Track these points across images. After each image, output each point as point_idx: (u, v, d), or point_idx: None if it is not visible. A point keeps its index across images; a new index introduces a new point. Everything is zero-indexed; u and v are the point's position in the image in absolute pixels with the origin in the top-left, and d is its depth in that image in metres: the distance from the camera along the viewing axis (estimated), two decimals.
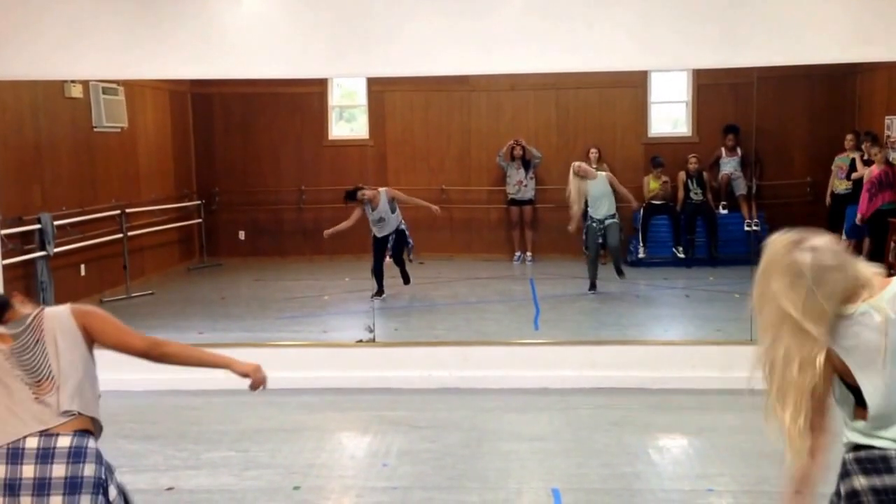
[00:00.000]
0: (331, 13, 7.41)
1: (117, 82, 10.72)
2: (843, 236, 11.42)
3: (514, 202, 13.06)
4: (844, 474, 2.74)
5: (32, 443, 3.03)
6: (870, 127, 11.79)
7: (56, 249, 9.18)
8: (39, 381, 3.14)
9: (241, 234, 13.51)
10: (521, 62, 7.50)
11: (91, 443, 3.13)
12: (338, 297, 10.99)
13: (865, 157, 11.23)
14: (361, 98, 13.80)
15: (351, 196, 10.27)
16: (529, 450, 5.96)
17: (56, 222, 9.23)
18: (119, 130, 11.12)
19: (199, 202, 13.13)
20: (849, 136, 11.72)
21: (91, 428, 3.20)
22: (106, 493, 3.11)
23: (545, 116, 13.40)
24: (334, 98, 13.85)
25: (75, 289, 9.95)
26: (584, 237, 10.66)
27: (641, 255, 12.35)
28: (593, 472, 5.54)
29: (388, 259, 10.29)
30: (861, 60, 8.36)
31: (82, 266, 10.11)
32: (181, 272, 12.61)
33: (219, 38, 7.42)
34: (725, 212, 12.51)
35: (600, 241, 10.30)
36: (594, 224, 10.26)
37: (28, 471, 3.00)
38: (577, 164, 10.50)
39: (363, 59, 7.49)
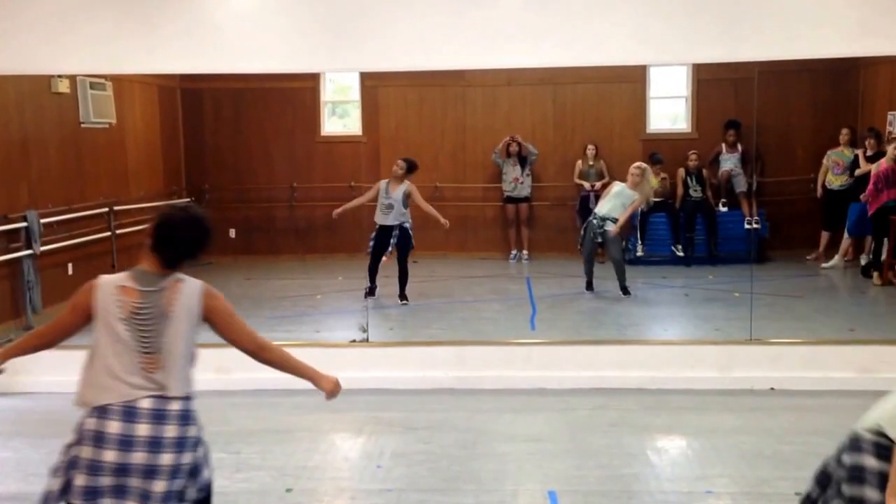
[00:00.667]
0: (323, 7, 7.35)
1: (105, 77, 10.59)
2: (846, 234, 11.38)
3: (510, 199, 12.97)
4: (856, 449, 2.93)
5: (146, 403, 3.31)
6: (872, 122, 11.75)
7: (43, 248, 9.04)
8: (149, 353, 3.35)
9: (232, 233, 13.37)
10: (517, 56, 7.42)
11: (193, 406, 3.43)
12: (331, 296, 10.90)
13: (868, 152, 11.16)
14: (354, 93, 13.72)
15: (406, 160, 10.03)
16: (526, 451, 5.89)
17: (43, 220, 9.09)
18: (107, 126, 10.98)
19: (188, 199, 13.00)
20: (844, 131, 11.68)
21: (191, 392, 3.45)
22: (199, 447, 3.46)
23: (542, 112, 13.32)
24: (327, 93, 13.74)
25: (63, 288, 9.78)
26: (581, 233, 10.53)
27: (640, 253, 12.27)
28: (591, 473, 5.46)
29: (384, 259, 10.10)
30: (863, 54, 8.25)
31: (70, 265, 9.96)
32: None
33: (209, 32, 7.34)
34: (725, 209, 12.43)
35: (598, 240, 10.13)
36: (594, 221, 10.10)
37: (143, 429, 3.27)
38: (641, 165, 10.36)
39: (356, 54, 7.41)
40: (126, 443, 3.26)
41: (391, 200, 9.80)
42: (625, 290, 10.03)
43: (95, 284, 3.45)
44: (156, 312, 3.36)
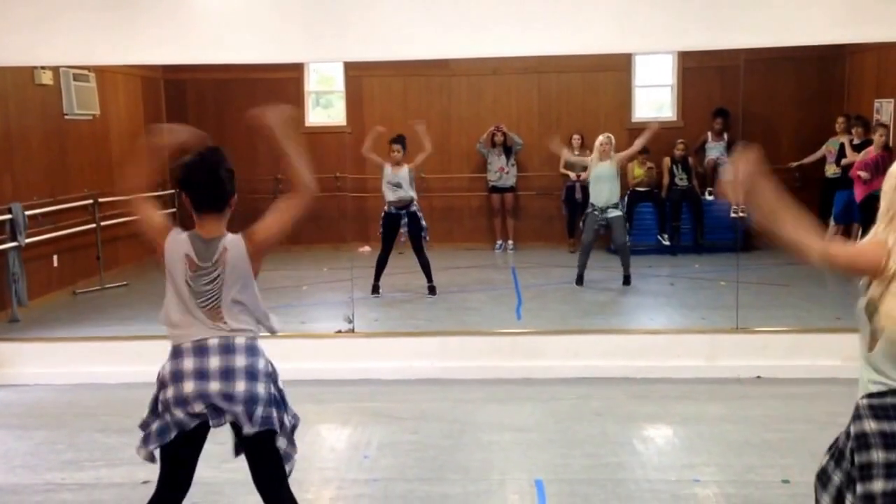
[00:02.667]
0: None
1: (88, 69, 10.54)
2: (832, 221, 11.42)
3: (495, 189, 12.98)
4: (857, 417, 2.91)
5: (214, 342, 3.58)
6: (858, 110, 11.77)
7: (28, 240, 9.00)
8: (210, 308, 3.61)
9: None
10: (502, 45, 7.40)
11: (260, 344, 3.69)
12: (316, 287, 10.89)
13: (855, 141, 11.19)
14: (338, 83, 13.67)
15: (396, 138, 9.94)
16: (512, 440, 5.90)
17: (27, 212, 9.05)
18: (91, 118, 10.94)
19: (172, 191, 12.94)
20: (839, 119, 11.68)
21: (256, 333, 3.70)
22: (276, 384, 3.68)
23: (527, 101, 13.32)
24: (311, 83, 13.69)
25: (48, 280, 9.79)
26: (581, 224, 10.46)
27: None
28: (577, 462, 5.47)
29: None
30: (851, 41, 8.28)
31: (55, 257, 9.94)
32: (156, 263, 12.40)
33: (190, 23, 7.30)
34: (711, 198, 12.44)
35: (601, 231, 10.06)
36: (595, 212, 10.01)
37: (214, 361, 3.55)
38: (605, 138, 10.18)
39: (340, 44, 7.38)
40: (201, 374, 3.54)
41: (399, 179, 9.76)
42: (627, 280, 10.00)
43: (168, 238, 3.70)
44: (212, 279, 3.61)
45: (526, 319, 8.83)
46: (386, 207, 9.86)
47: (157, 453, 3.71)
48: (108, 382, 7.32)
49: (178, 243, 3.66)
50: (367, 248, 12.05)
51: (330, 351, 7.57)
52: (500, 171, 12.85)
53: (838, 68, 12.55)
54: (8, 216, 8.82)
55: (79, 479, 5.37)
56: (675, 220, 12.38)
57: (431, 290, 9.84)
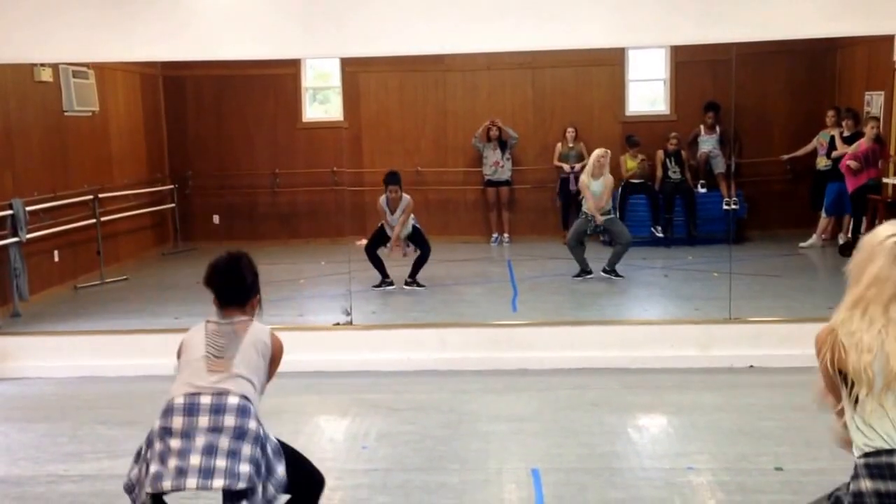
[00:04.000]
0: None
1: (87, 66, 10.59)
2: (823, 213, 11.50)
3: (490, 183, 13.02)
4: (854, 476, 2.85)
5: (206, 399, 3.54)
6: (849, 103, 11.84)
7: (29, 235, 9.04)
8: (220, 357, 3.65)
9: (216, 218, 13.40)
10: (497, 41, 7.46)
11: (253, 407, 3.62)
12: (314, 280, 10.93)
13: (845, 133, 11.26)
14: (335, 79, 13.70)
15: (392, 178, 9.92)
16: (509, 430, 5.95)
17: (28, 208, 9.08)
18: (90, 115, 10.99)
19: (172, 186, 13.01)
20: (830, 113, 11.74)
21: (252, 400, 3.65)
22: (264, 449, 3.60)
23: (522, 96, 13.36)
24: (308, 79, 13.74)
25: (49, 275, 9.85)
26: (572, 228, 10.50)
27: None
28: (573, 451, 5.53)
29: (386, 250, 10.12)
30: (842, 35, 8.34)
31: (55, 252, 9.99)
32: (155, 257, 12.52)
33: (188, 19, 7.33)
34: (704, 190, 12.52)
35: (598, 233, 10.13)
36: (588, 218, 10.07)
37: (203, 420, 3.51)
38: (603, 152, 10.27)
39: (337, 40, 7.42)
40: (187, 434, 3.50)
41: (398, 217, 9.86)
42: (607, 270, 9.99)
43: (185, 338, 3.80)
44: (229, 333, 3.73)
45: (522, 311, 8.88)
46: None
47: None
48: (109, 375, 7.37)
49: (195, 332, 3.79)
50: (364, 242, 12.12)
51: (328, 343, 7.62)
52: (496, 165, 12.90)
53: (829, 61, 12.63)
54: (9, 212, 8.85)
55: (81, 470, 5.42)
56: (669, 213, 12.45)
57: (408, 284, 9.86)
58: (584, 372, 7.15)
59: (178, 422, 3.51)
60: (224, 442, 3.48)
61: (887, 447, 2.77)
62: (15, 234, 8.88)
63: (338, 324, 7.81)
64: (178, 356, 3.78)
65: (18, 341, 7.87)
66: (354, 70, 13.10)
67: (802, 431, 5.59)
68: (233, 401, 3.55)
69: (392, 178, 9.89)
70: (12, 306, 8.87)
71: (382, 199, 9.93)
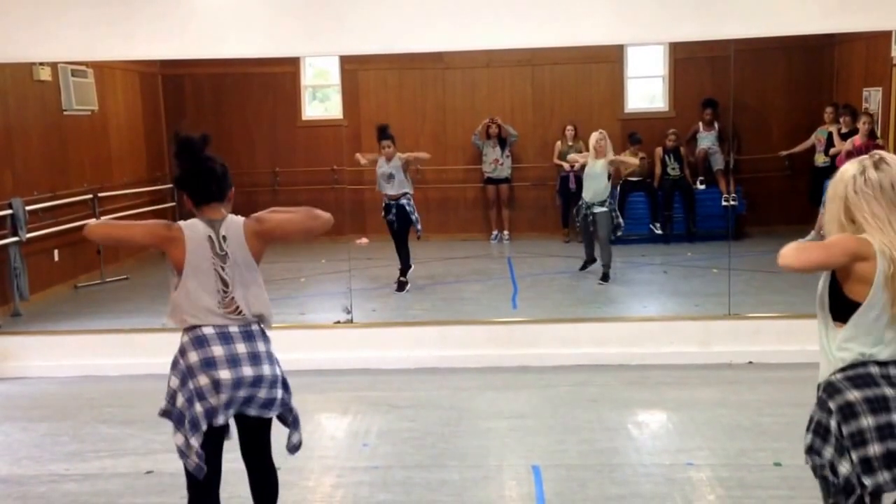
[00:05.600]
0: None
1: (86, 64, 10.59)
2: (821, 209, 11.49)
3: (490, 181, 13.03)
4: (835, 391, 3.08)
5: (234, 328, 3.72)
6: (847, 99, 11.84)
7: (28, 235, 9.06)
8: (227, 297, 3.72)
9: None
10: (497, 38, 7.47)
11: (265, 325, 3.87)
12: (314, 278, 10.94)
13: (843, 130, 11.26)
14: (334, 77, 13.70)
15: (383, 133, 9.83)
16: (509, 427, 5.97)
17: (28, 207, 9.10)
18: (89, 113, 11.00)
19: (171, 185, 13.00)
20: (828, 109, 11.74)
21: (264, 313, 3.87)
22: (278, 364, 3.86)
23: (521, 93, 13.36)
24: (307, 78, 13.75)
25: (49, 274, 9.85)
26: (574, 217, 10.49)
27: (619, 231, 12.35)
28: (573, 448, 5.55)
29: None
30: (841, 30, 8.33)
31: (56, 251, 10.00)
32: (156, 256, 12.42)
33: (187, 18, 7.35)
34: (703, 187, 12.53)
35: (590, 228, 10.02)
36: (583, 206, 10.02)
37: (241, 347, 3.69)
38: (599, 135, 10.18)
39: (337, 38, 7.44)
40: (234, 361, 3.65)
41: (391, 170, 9.65)
42: (605, 277, 9.82)
43: (182, 229, 3.74)
44: (226, 261, 3.72)
45: (522, 308, 8.90)
46: (383, 200, 9.85)
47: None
48: (110, 374, 7.40)
49: (196, 230, 3.74)
50: (364, 240, 12.14)
51: (329, 341, 7.64)
52: (495, 162, 12.91)
53: (827, 57, 12.64)
54: (8, 211, 8.87)
55: (83, 469, 5.44)
56: (668, 210, 12.46)
57: (400, 284, 9.69)
58: (584, 368, 7.17)
59: (217, 350, 3.65)
60: (266, 369, 3.71)
61: (861, 360, 3.05)
62: (15, 234, 8.90)
63: (338, 322, 7.83)
64: (172, 241, 3.73)
65: (19, 341, 7.89)
66: (354, 68, 13.11)
67: (801, 427, 5.52)
68: (256, 328, 3.79)
69: (383, 133, 9.80)
70: (13, 306, 8.88)
71: (374, 155, 9.86)
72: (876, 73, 11.27)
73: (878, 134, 10.76)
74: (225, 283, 3.71)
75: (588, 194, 10.01)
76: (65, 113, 10.42)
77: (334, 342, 7.63)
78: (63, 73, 10.20)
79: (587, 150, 12.45)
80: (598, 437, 5.72)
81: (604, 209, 9.86)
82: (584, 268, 10.18)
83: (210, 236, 3.72)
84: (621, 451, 5.49)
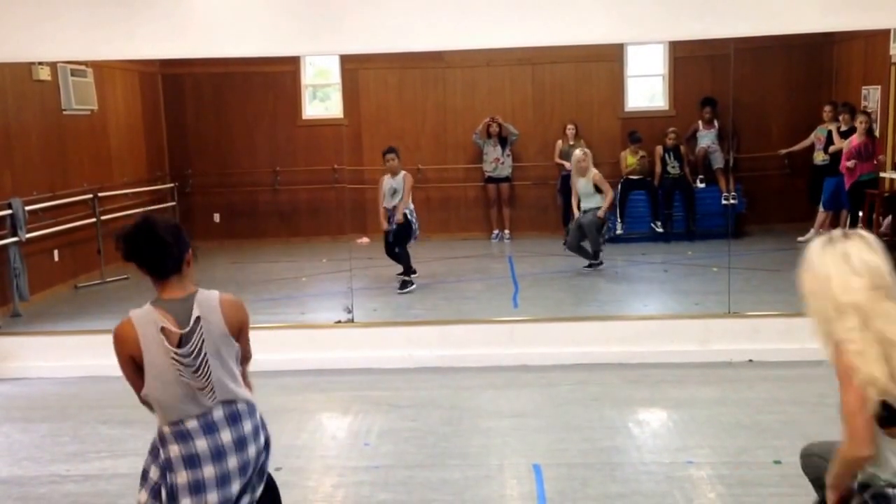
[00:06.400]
0: None
1: (86, 64, 10.60)
2: (821, 207, 11.53)
3: (491, 180, 13.04)
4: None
5: (218, 413, 3.35)
6: (846, 97, 11.85)
7: (28, 235, 9.06)
8: (202, 389, 3.32)
9: (217, 217, 13.42)
10: (497, 37, 7.46)
11: (248, 394, 3.48)
12: (315, 278, 10.94)
13: (842, 128, 11.27)
14: (335, 76, 13.71)
15: (388, 148, 9.97)
16: (510, 426, 5.97)
17: (27, 207, 9.11)
18: (89, 113, 11.01)
19: (172, 185, 13.02)
20: (826, 108, 11.75)
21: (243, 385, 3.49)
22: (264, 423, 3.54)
23: (521, 92, 13.36)
24: (307, 77, 13.75)
25: (49, 275, 9.86)
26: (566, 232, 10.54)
27: (619, 230, 12.38)
28: (574, 446, 5.55)
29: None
30: (841, 29, 8.34)
31: (55, 251, 10.01)
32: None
33: (187, 17, 7.34)
34: (703, 185, 12.54)
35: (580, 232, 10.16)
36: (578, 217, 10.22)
37: (226, 435, 3.35)
38: (581, 153, 10.40)
39: (336, 37, 7.43)
40: (218, 454, 3.34)
41: (395, 185, 9.77)
42: (595, 255, 10.07)
43: (131, 328, 3.34)
44: (194, 351, 3.30)
45: (523, 307, 8.90)
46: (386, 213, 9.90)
47: None
48: (110, 375, 7.19)
49: (147, 322, 3.31)
50: (365, 240, 12.15)
51: (330, 341, 7.64)
52: (496, 161, 12.91)
53: (826, 56, 12.66)
54: (8, 211, 8.87)
55: (83, 470, 5.44)
56: (668, 208, 12.48)
57: (403, 283, 9.70)
58: (584, 367, 7.17)
59: (201, 444, 3.33)
60: (251, 450, 3.41)
61: None
62: (14, 234, 8.91)
63: (339, 321, 7.83)
64: (125, 344, 3.35)
65: (19, 341, 7.89)
66: (354, 67, 13.11)
67: (801, 425, 5.63)
68: (241, 406, 3.41)
69: (389, 149, 9.99)
70: (13, 306, 8.89)
71: (385, 177, 9.91)
72: (875, 72, 11.29)
73: (877, 132, 10.79)
74: (196, 371, 3.29)
75: (581, 206, 10.18)
76: (64, 112, 10.42)
77: (335, 342, 7.62)
78: (62, 73, 10.21)
79: (588, 147, 12.57)
80: (599, 436, 5.72)
81: (590, 217, 10.03)
82: (594, 259, 10.27)
83: (163, 327, 3.27)
84: (622, 450, 5.49)
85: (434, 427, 5.98)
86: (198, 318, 3.31)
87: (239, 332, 3.44)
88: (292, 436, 5.86)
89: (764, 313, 7.68)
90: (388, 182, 9.84)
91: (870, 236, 2.96)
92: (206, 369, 3.31)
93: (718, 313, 7.70)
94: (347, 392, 6.84)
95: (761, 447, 5.39)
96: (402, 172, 9.83)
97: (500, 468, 5.29)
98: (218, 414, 3.35)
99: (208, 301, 3.37)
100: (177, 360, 3.27)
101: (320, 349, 7.48)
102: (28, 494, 5.12)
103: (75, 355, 7.52)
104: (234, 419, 3.38)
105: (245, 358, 3.56)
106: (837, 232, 2.98)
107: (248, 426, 3.40)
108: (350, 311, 7.85)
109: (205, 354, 3.30)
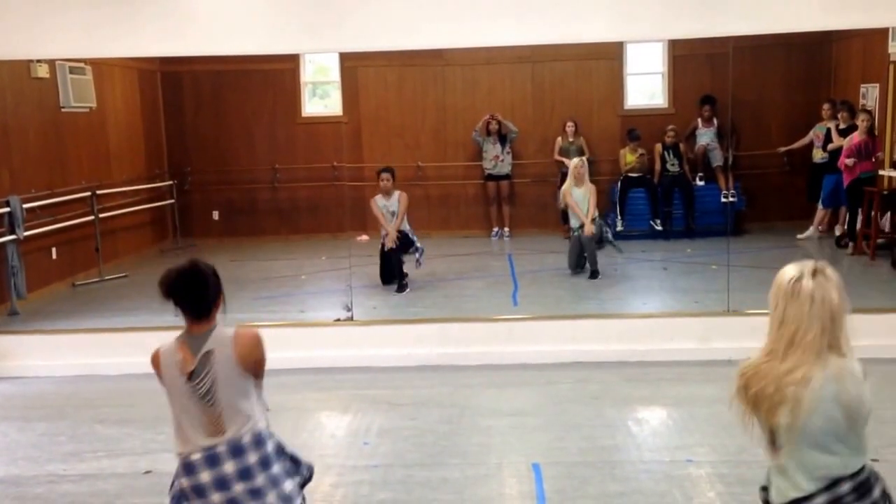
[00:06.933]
0: None
1: (84, 61, 10.58)
2: (820, 205, 11.53)
3: (490, 177, 13.02)
4: None
5: (222, 448, 3.50)
6: (844, 95, 11.86)
7: (26, 233, 9.05)
8: (212, 415, 3.51)
9: (215, 214, 13.40)
10: (497, 35, 7.47)
11: (262, 426, 3.58)
12: (315, 276, 10.93)
13: (841, 126, 11.27)
14: (334, 74, 13.68)
15: (387, 169, 9.88)
16: (509, 425, 5.97)
17: (25, 205, 9.09)
18: (87, 110, 10.99)
19: (171, 182, 13.01)
20: (825, 105, 11.77)
21: (255, 423, 3.58)
22: (285, 451, 3.68)
23: (521, 90, 13.35)
24: (307, 74, 13.74)
25: (47, 273, 9.84)
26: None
27: (619, 228, 12.37)
28: (573, 445, 5.55)
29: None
30: (839, 27, 8.33)
31: (53, 249, 9.99)
32: (155, 254, 12.50)
33: (186, 15, 7.35)
34: (702, 183, 12.54)
35: (584, 251, 9.99)
36: (577, 235, 10.07)
37: (229, 466, 3.48)
38: (580, 161, 10.31)
39: (336, 34, 7.43)
40: (222, 483, 3.48)
41: (392, 206, 9.76)
42: (594, 274, 9.83)
43: (159, 354, 3.59)
44: (206, 382, 3.51)
45: (522, 305, 8.88)
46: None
47: None
48: (108, 374, 7.37)
49: (168, 355, 3.56)
50: (365, 237, 12.13)
51: (329, 339, 7.63)
52: (496, 159, 12.90)
53: (825, 54, 12.66)
54: (6, 209, 8.85)
55: (80, 470, 5.44)
56: (667, 206, 12.47)
57: (401, 286, 9.59)
58: (584, 365, 7.16)
59: (205, 476, 3.49)
60: (259, 480, 3.50)
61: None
62: (12, 232, 8.89)
63: (339, 319, 7.82)
64: (156, 370, 3.60)
65: (17, 340, 7.87)
66: (353, 65, 13.09)
67: None
68: (247, 439, 3.52)
69: (385, 168, 9.91)
70: (10, 305, 8.87)
71: (379, 199, 9.86)
72: (873, 70, 11.29)
73: (875, 130, 10.79)
74: (208, 403, 3.50)
75: (576, 221, 10.08)
76: (63, 110, 10.41)
77: (335, 340, 7.62)
78: (61, 70, 10.19)
79: (588, 148, 12.57)
80: (599, 434, 5.72)
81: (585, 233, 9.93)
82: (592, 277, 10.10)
83: (177, 361, 3.51)
84: (621, 448, 5.49)
85: (433, 426, 5.97)
86: (207, 352, 3.49)
87: (255, 367, 3.59)
88: (291, 434, 5.77)
89: (764, 311, 7.58)
90: (381, 203, 9.77)
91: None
92: (214, 399, 3.49)
93: (718, 311, 7.69)
94: (346, 390, 6.83)
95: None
96: (397, 192, 9.79)
97: (499, 467, 5.29)
98: (221, 448, 3.49)
99: (222, 337, 3.55)
100: (188, 390, 3.49)
101: (319, 347, 7.47)
102: (25, 494, 5.12)
103: (73, 354, 7.53)
104: (237, 452, 3.50)
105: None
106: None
107: (252, 457, 3.51)
108: (349, 309, 7.84)
109: (213, 386, 3.48)
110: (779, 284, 2.89)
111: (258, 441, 3.56)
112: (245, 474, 3.50)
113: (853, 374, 2.78)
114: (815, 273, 2.85)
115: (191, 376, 3.50)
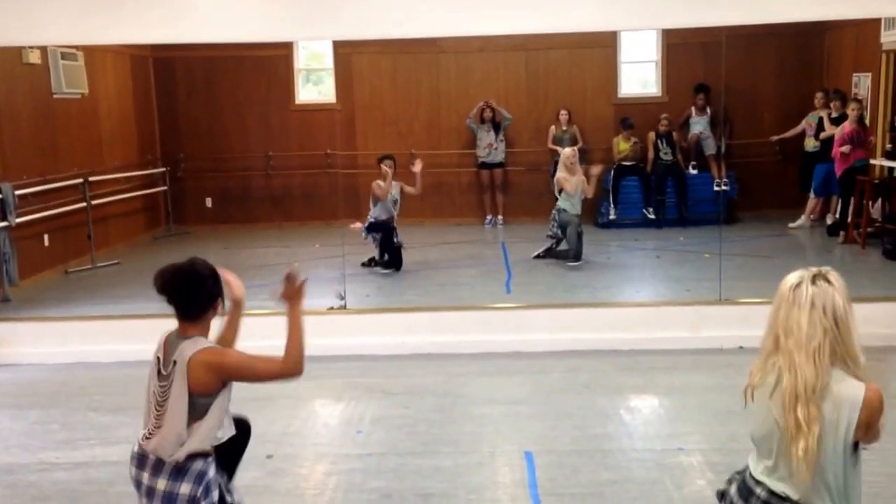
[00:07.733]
0: None
1: (76, 48, 10.53)
2: (812, 194, 11.57)
3: (484, 165, 13.02)
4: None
5: (153, 456, 3.54)
6: (837, 84, 11.89)
7: (18, 220, 9.04)
8: (156, 424, 3.54)
9: (209, 202, 13.39)
10: (491, 23, 7.45)
11: (190, 465, 3.51)
12: (308, 263, 10.89)
13: (833, 115, 11.29)
14: (328, 60, 13.64)
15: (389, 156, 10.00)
16: (502, 413, 5.98)
17: (17, 192, 9.08)
18: (79, 97, 10.95)
19: (163, 169, 12.98)
20: (818, 95, 11.79)
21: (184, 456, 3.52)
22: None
23: (515, 78, 13.33)
24: (300, 61, 13.70)
25: (39, 260, 9.82)
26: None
27: (612, 216, 12.40)
28: (566, 434, 5.57)
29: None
30: (829, 18, 8.32)
31: (45, 236, 9.97)
32: (147, 241, 12.49)
33: (183, 1, 7.29)
34: (695, 172, 12.56)
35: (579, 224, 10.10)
36: (570, 212, 10.11)
37: (145, 477, 3.53)
38: (571, 151, 10.36)
39: (329, 22, 7.40)
40: (139, 485, 3.58)
41: (396, 196, 9.91)
42: (577, 256, 9.93)
43: (161, 339, 3.65)
44: (168, 386, 3.52)
45: (515, 294, 8.89)
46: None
47: None
48: (101, 361, 7.35)
49: (160, 345, 3.62)
50: (358, 225, 12.08)
51: (322, 327, 7.55)
52: (489, 146, 12.89)
53: (817, 43, 12.69)
54: None
55: (73, 458, 5.43)
56: (660, 194, 12.49)
57: (386, 264, 9.86)
58: (576, 354, 7.17)
59: (133, 471, 3.61)
60: None
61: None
62: (4, 219, 8.88)
63: (332, 308, 7.81)
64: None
65: (9, 327, 7.85)
66: (347, 52, 13.06)
67: None
68: (170, 463, 3.49)
69: (386, 156, 10.00)
70: (2, 292, 8.86)
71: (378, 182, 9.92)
72: (865, 59, 11.32)
73: (867, 120, 10.81)
74: (157, 406, 3.53)
75: (573, 207, 10.09)
76: (54, 96, 10.37)
77: (328, 328, 7.58)
78: (53, 56, 10.14)
79: (581, 136, 12.56)
80: (591, 423, 5.73)
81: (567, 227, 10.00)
82: (575, 260, 10.12)
83: (158, 357, 3.57)
84: (613, 437, 5.51)
85: (426, 414, 5.98)
86: (175, 362, 3.49)
87: (205, 389, 3.51)
88: (285, 423, 5.87)
89: (755, 300, 7.66)
90: (389, 192, 9.87)
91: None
92: (163, 409, 3.50)
93: (710, 300, 7.71)
94: (340, 379, 6.83)
95: None
96: (395, 184, 9.93)
97: (491, 455, 5.31)
98: (152, 456, 3.53)
99: (183, 354, 3.49)
100: (155, 387, 3.55)
101: (312, 336, 7.34)
102: (18, 482, 5.11)
103: (65, 341, 7.50)
104: (156, 468, 3.51)
105: (268, 373, 3.86)
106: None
107: (161, 484, 3.48)
108: (342, 298, 7.84)
109: (167, 397, 3.49)
110: (780, 292, 2.89)
111: (179, 472, 3.49)
112: (150, 493, 3.51)
113: (853, 404, 2.76)
114: (815, 279, 2.83)
115: (160, 377, 3.54)
